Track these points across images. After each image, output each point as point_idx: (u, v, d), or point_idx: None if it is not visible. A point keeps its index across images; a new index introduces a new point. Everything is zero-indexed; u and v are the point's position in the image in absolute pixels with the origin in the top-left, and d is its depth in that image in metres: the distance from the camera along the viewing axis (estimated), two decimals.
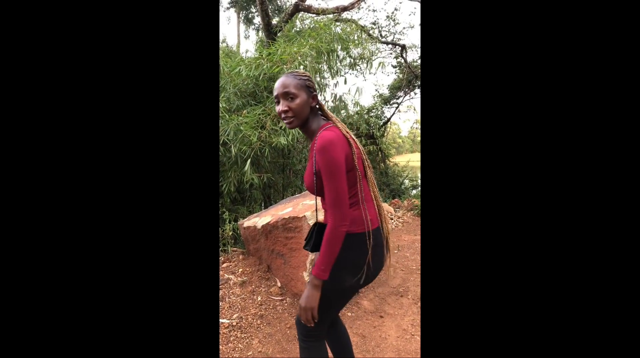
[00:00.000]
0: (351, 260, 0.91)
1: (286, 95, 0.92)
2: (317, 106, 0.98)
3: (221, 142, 2.75)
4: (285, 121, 0.94)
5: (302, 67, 3.00)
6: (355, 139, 0.96)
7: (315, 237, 0.97)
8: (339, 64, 3.78)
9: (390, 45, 7.09)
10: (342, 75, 3.98)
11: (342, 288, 0.94)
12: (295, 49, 3.11)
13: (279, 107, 0.94)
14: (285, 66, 2.99)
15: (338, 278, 0.90)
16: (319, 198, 1.01)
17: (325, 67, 3.59)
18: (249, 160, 2.68)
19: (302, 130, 0.98)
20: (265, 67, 3.07)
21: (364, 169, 0.95)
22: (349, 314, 1.92)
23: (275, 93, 0.95)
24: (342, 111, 4.54)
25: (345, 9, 5.43)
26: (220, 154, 2.77)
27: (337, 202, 0.85)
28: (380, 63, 4.59)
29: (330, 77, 3.78)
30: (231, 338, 1.68)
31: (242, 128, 2.72)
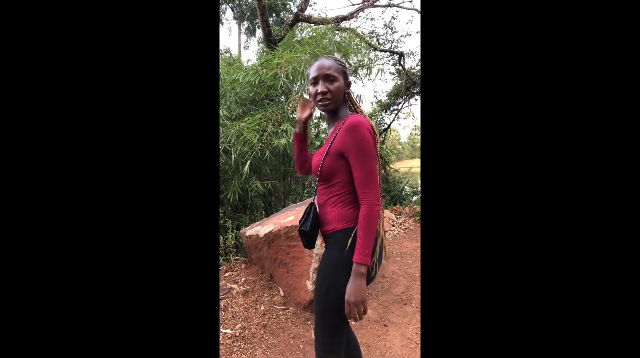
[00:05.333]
0: (346, 258, 0.87)
1: (327, 77, 0.92)
2: (348, 95, 0.98)
3: (223, 149, 2.76)
4: (320, 103, 0.94)
5: (299, 70, 3.01)
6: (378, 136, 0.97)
7: (313, 216, 0.96)
8: None
9: (388, 53, 7.16)
10: None
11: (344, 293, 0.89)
12: (290, 55, 3.14)
13: (317, 88, 0.93)
14: (279, 71, 3.02)
15: (339, 284, 0.87)
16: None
17: None
18: (248, 162, 2.67)
19: (330, 115, 0.98)
20: (261, 72, 3.12)
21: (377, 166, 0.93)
22: (353, 323, 1.90)
23: (314, 74, 0.93)
24: None
25: (344, 18, 5.51)
26: (222, 161, 2.77)
27: (371, 181, 0.85)
28: (379, 69, 4.62)
29: None
30: (234, 349, 1.66)
31: (243, 132, 2.73)
